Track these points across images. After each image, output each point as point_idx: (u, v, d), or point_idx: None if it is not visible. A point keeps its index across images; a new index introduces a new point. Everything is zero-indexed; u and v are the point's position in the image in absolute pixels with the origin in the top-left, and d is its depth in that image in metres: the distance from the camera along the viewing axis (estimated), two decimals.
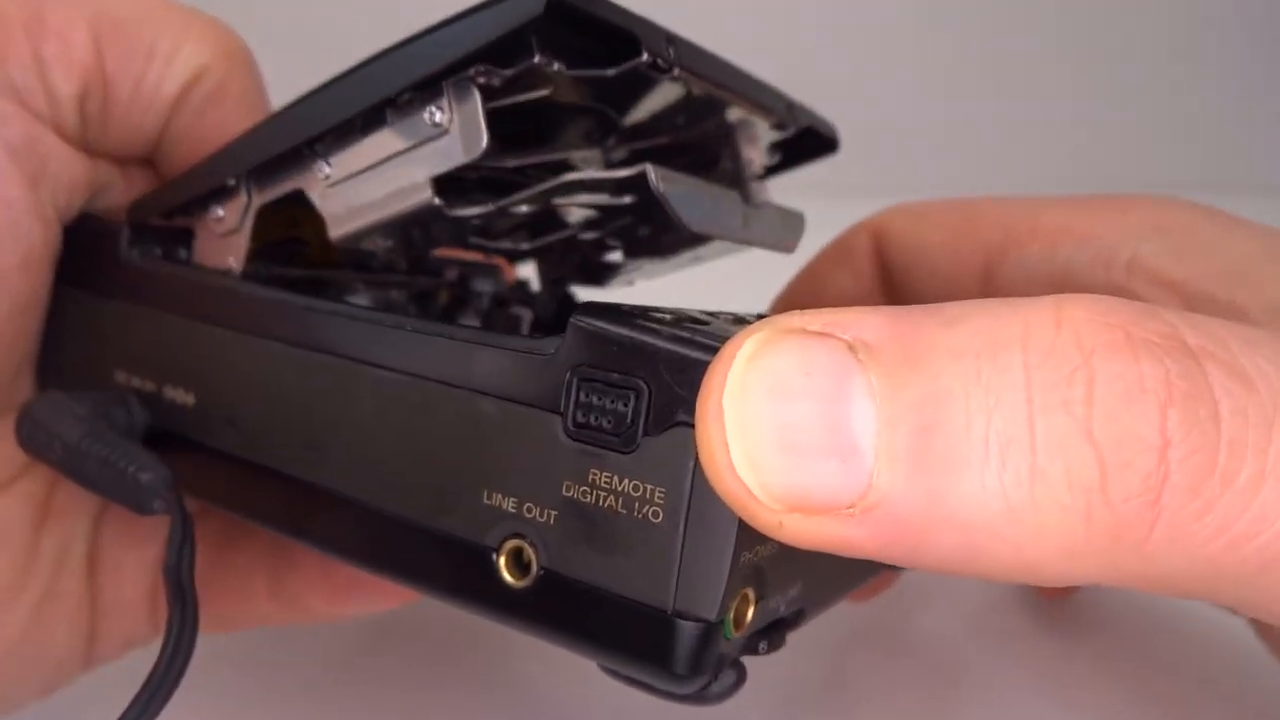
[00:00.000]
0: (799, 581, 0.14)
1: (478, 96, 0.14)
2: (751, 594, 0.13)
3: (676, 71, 0.16)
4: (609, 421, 0.12)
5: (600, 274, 0.22)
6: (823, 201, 0.27)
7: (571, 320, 0.13)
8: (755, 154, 0.20)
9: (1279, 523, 0.10)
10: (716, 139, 0.20)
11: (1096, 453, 0.10)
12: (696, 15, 0.58)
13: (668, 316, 0.13)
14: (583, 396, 0.13)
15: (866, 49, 0.62)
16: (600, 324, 0.13)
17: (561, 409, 0.13)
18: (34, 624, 0.19)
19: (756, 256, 0.21)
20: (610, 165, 0.20)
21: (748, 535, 0.12)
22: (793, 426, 0.11)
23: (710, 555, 0.12)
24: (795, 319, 0.11)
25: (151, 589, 0.20)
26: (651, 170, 0.15)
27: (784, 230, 0.19)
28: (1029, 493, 0.10)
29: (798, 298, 0.25)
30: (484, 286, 0.23)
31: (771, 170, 0.21)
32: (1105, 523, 0.10)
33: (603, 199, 0.16)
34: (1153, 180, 0.61)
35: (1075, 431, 0.10)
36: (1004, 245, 0.21)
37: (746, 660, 0.14)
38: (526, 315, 0.22)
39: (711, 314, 0.15)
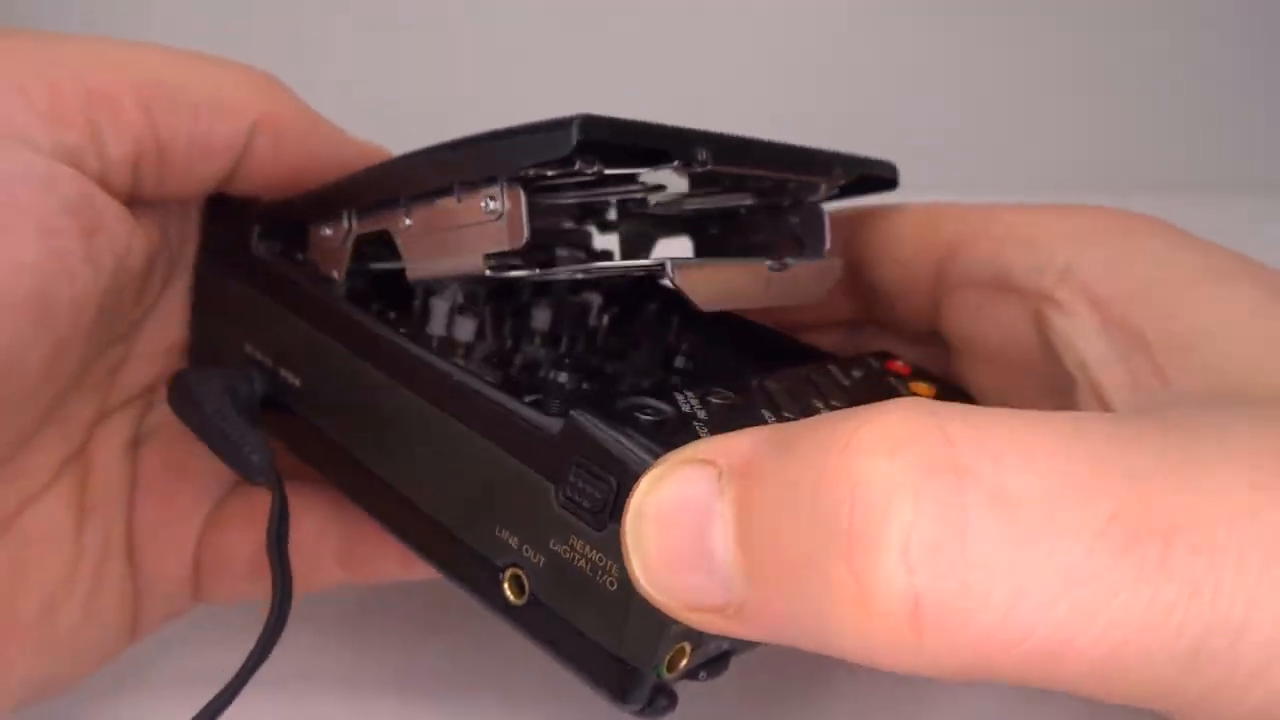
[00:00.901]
0: None
1: (523, 199, 0.17)
2: (688, 647, 0.16)
3: (711, 167, 0.18)
4: (588, 503, 0.16)
5: None
6: None
7: (571, 414, 0.16)
8: (814, 192, 0.22)
9: (1043, 630, 0.11)
10: (777, 182, 0.21)
11: (855, 579, 0.12)
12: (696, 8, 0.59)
13: (654, 419, 0.16)
14: (572, 478, 0.16)
15: (868, 51, 0.63)
16: (591, 423, 0.16)
17: (557, 481, 0.16)
18: (86, 614, 0.21)
19: None
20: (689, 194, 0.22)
21: None
22: (671, 548, 0.13)
23: (648, 625, 0.15)
24: (690, 450, 0.14)
25: (191, 565, 0.23)
26: (669, 265, 0.17)
27: (810, 286, 0.21)
28: (815, 607, 0.12)
29: None
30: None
31: (834, 197, 0.23)
32: (880, 635, 0.12)
33: (635, 273, 0.19)
34: (1153, 180, 0.59)
35: (840, 558, 0.12)
36: (957, 245, 0.22)
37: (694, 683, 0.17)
38: (596, 300, 0.25)
39: (713, 400, 0.17)
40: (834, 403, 0.19)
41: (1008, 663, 0.12)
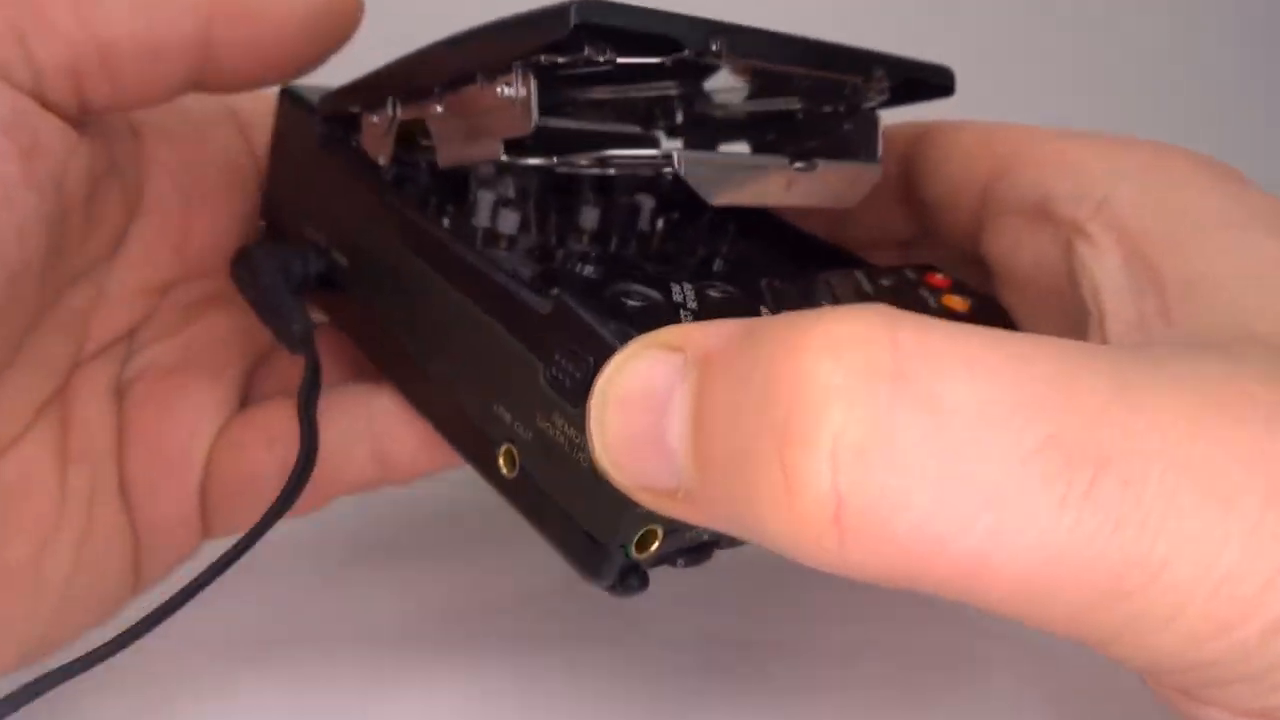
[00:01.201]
0: None
1: (533, 84, 0.17)
2: (659, 530, 0.16)
3: (729, 60, 0.17)
4: (569, 381, 0.16)
5: None
6: None
7: (558, 295, 0.16)
8: (866, 97, 0.21)
9: (959, 544, 0.11)
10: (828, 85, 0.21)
11: (785, 475, 0.12)
12: None
13: (640, 305, 0.16)
14: (557, 356, 0.16)
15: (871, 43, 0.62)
16: (573, 304, 0.16)
17: (545, 360, 0.17)
18: (78, 562, 0.20)
19: None
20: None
21: None
22: (630, 431, 0.14)
23: (613, 500, 0.16)
24: (661, 335, 0.14)
25: (196, 504, 0.22)
26: (676, 155, 0.17)
27: (842, 188, 0.20)
28: (752, 498, 0.12)
29: None
30: None
31: (888, 103, 0.22)
32: (805, 532, 0.12)
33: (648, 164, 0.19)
34: None
35: (775, 453, 0.12)
36: (1006, 165, 0.21)
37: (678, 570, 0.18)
38: (648, 203, 0.25)
39: (711, 293, 0.17)
40: None
41: (925, 573, 0.12)
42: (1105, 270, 0.18)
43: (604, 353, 0.15)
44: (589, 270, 0.20)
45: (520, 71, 0.17)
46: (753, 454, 0.12)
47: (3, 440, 0.20)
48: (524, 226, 0.22)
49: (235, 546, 0.18)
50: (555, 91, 0.19)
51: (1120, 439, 0.11)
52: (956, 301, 0.20)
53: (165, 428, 0.23)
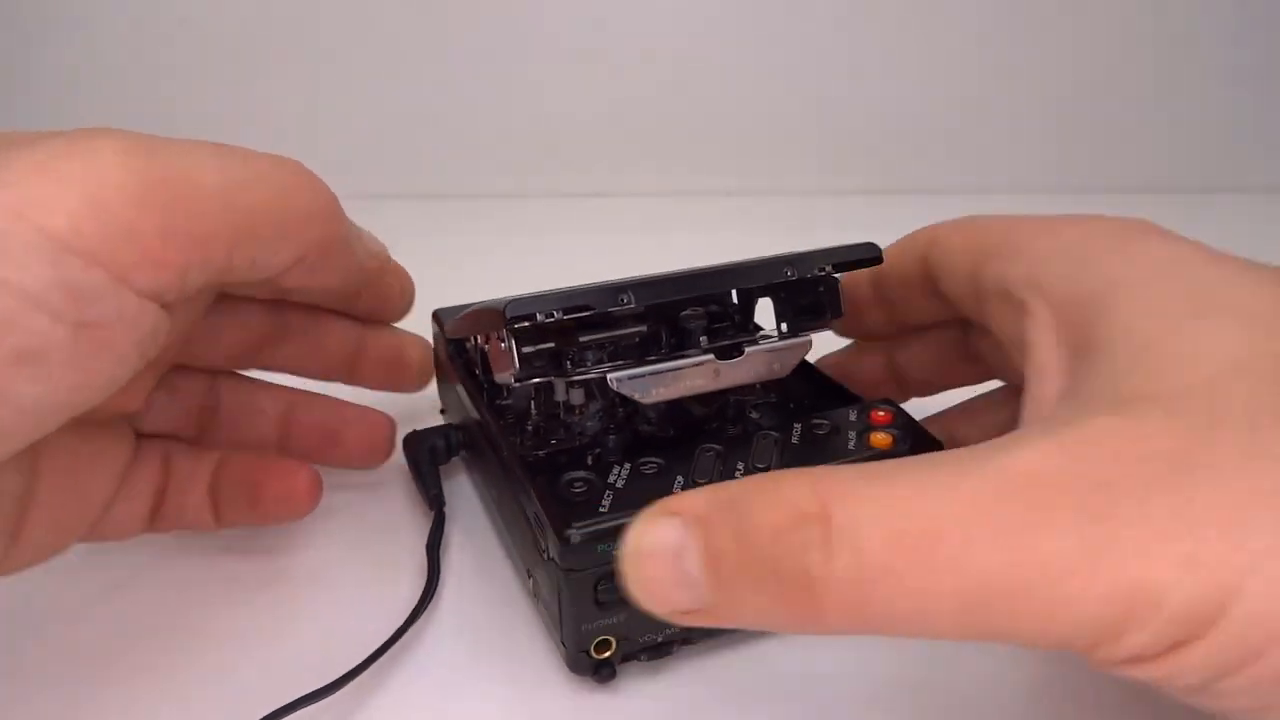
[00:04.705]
0: (671, 626, 0.24)
1: (514, 344, 0.26)
2: (613, 640, 0.24)
3: (644, 307, 0.25)
4: (541, 544, 0.24)
5: None
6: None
7: (534, 484, 0.25)
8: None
9: (887, 609, 0.16)
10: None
11: (784, 599, 0.17)
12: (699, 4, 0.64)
13: (579, 491, 0.24)
14: (537, 521, 0.25)
15: (871, 50, 0.66)
16: (541, 493, 0.24)
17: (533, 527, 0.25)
18: None
19: None
20: None
21: (588, 614, 0.23)
22: (654, 574, 0.19)
23: (570, 625, 0.24)
24: (663, 503, 0.19)
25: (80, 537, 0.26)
26: (611, 377, 0.25)
27: (772, 365, 0.27)
28: (764, 606, 0.18)
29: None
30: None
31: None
32: (789, 622, 0.18)
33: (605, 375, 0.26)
34: (1153, 182, 0.68)
35: (776, 576, 0.17)
36: (985, 257, 0.25)
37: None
38: None
39: (643, 469, 0.25)
40: (758, 465, 0.25)
41: (876, 628, 0.17)
42: (1040, 345, 0.22)
43: (547, 531, 0.23)
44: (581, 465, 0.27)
45: (506, 334, 0.26)
46: (765, 583, 0.17)
47: None
48: (566, 431, 0.29)
49: (374, 652, 0.29)
50: (569, 331, 0.27)
51: (904, 521, 0.17)
52: (880, 439, 0.26)
53: (79, 481, 0.26)
